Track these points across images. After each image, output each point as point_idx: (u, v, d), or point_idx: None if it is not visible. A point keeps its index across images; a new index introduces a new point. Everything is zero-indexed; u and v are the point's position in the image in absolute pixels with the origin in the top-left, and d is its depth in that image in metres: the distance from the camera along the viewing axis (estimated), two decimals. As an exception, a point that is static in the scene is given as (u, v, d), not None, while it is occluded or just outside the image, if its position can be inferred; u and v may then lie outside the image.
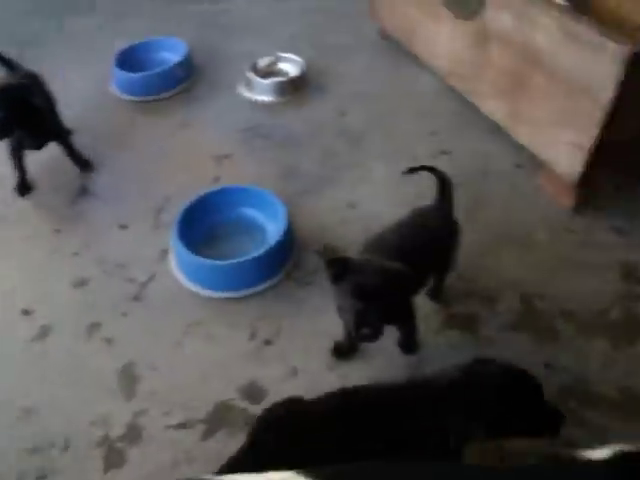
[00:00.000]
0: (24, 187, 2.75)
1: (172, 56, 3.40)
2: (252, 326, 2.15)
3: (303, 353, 2.06)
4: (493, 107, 2.73)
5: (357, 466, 0.99)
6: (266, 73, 3.30)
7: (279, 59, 3.39)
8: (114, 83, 3.34)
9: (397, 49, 3.37)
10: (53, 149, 2.75)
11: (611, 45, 2.01)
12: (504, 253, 2.34)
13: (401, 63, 3.34)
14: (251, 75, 3.21)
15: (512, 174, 2.68)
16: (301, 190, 2.66)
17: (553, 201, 2.52)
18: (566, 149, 2.34)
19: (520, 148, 2.63)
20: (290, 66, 3.35)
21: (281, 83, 3.18)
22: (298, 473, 0.94)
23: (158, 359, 2.09)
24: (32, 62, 2.88)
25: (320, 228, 2.48)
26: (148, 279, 2.35)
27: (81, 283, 2.36)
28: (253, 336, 2.13)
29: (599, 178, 2.41)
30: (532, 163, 2.61)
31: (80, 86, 3.37)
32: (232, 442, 1.83)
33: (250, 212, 2.50)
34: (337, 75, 3.33)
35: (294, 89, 3.20)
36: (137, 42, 3.50)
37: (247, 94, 3.22)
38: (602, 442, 1.00)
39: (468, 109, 2.90)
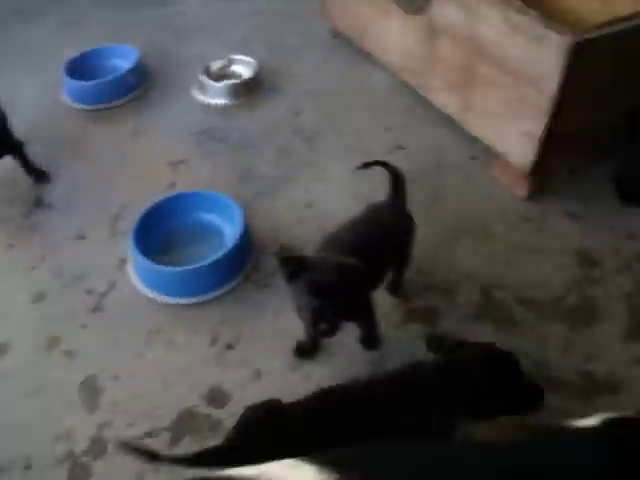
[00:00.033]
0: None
1: (124, 63, 3.35)
2: (213, 331, 2.14)
3: (265, 355, 2.05)
4: (445, 101, 2.76)
5: (359, 449, 1.00)
6: (219, 76, 3.28)
7: (232, 61, 3.37)
8: (65, 92, 3.29)
9: (349, 47, 3.38)
10: (5, 160, 2.69)
11: (554, 36, 2.05)
12: (462, 245, 2.37)
13: (353, 61, 3.35)
14: (204, 78, 3.19)
15: (467, 166, 2.71)
16: (257, 192, 2.65)
17: (508, 191, 2.55)
18: (518, 139, 2.37)
19: (474, 140, 2.66)
20: (243, 68, 3.34)
21: (234, 85, 3.16)
22: (302, 460, 0.94)
23: (120, 369, 2.07)
24: (-22, 73, 2.83)
25: (277, 229, 2.47)
26: (107, 289, 2.32)
27: (39, 298, 2.31)
28: (214, 341, 2.11)
29: (552, 164, 2.45)
30: (486, 154, 2.64)
31: (30, 95, 3.32)
32: (198, 448, 1.82)
33: (207, 216, 2.49)
34: (290, 75, 3.32)
35: (248, 91, 3.18)
36: (88, 49, 3.44)
37: (201, 98, 3.19)
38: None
39: (422, 104, 2.92)
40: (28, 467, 1.84)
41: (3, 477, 1.83)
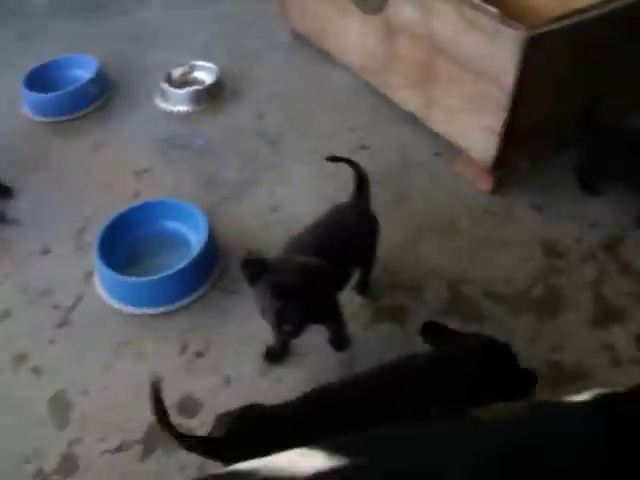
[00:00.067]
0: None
1: (85, 73, 3.30)
2: (182, 339, 2.13)
3: (235, 361, 2.05)
4: (407, 98, 2.77)
5: (366, 434, 1.01)
6: (181, 83, 3.27)
7: (193, 68, 3.36)
8: (25, 105, 3.25)
9: (310, 48, 3.38)
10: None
11: (508, 31, 2.07)
12: (427, 242, 2.38)
13: (315, 62, 3.35)
14: (166, 86, 3.17)
15: (431, 163, 2.72)
16: (222, 197, 2.64)
17: (472, 186, 2.57)
18: (479, 134, 2.39)
19: (437, 137, 2.67)
20: (205, 74, 3.32)
21: (197, 92, 3.14)
22: (312, 448, 0.95)
23: (89, 383, 2.04)
24: None
25: (243, 234, 2.46)
26: (74, 303, 2.29)
27: (4, 315, 2.28)
28: (184, 350, 2.10)
29: (514, 157, 2.47)
30: (450, 151, 2.65)
31: (-11, 110, 3.27)
32: (170, 460, 1.82)
33: (172, 225, 2.47)
34: (252, 79, 3.32)
35: (210, 97, 3.17)
36: (47, 61, 3.40)
37: (163, 105, 3.18)
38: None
39: (384, 103, 2.93)
40: (-4, 489, 1.81)
41: (-29, 499, 1.80)
